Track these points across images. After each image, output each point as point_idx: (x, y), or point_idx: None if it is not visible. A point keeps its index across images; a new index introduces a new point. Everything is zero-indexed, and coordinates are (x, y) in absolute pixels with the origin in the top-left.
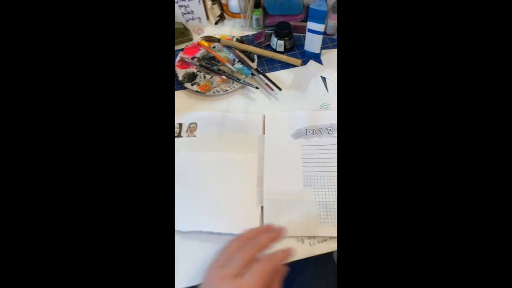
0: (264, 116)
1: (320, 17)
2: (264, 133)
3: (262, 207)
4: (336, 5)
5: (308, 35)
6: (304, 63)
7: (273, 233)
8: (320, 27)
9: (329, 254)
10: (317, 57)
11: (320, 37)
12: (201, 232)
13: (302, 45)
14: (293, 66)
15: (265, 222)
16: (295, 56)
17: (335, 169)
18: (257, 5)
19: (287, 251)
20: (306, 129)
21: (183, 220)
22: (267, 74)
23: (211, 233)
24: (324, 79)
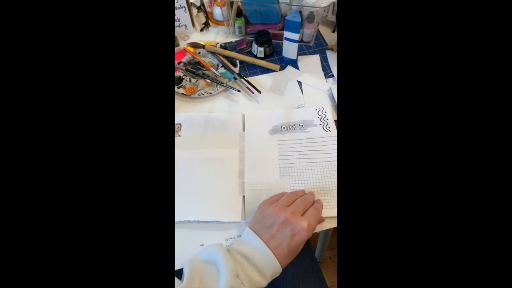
0: (243, 115)
1: (295, 27)
2: (244, 130)
3: (243, 197)
4: (310, 15)
5: (285, 43)
6: (283, 68)
7: (312, 195)
8: (295, 36)
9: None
10: (294, 63)
11: (296, 45)
12: (188, 221)
13: (280, 51)
14: (272, 71)
15: (247, 209)
16: (274, 61)
17: (308, 160)
18: (239, 14)
19: (321, 203)
20: (281, 126)
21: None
22: (248, 78)
23: (198, 221)
24: (300, 83)
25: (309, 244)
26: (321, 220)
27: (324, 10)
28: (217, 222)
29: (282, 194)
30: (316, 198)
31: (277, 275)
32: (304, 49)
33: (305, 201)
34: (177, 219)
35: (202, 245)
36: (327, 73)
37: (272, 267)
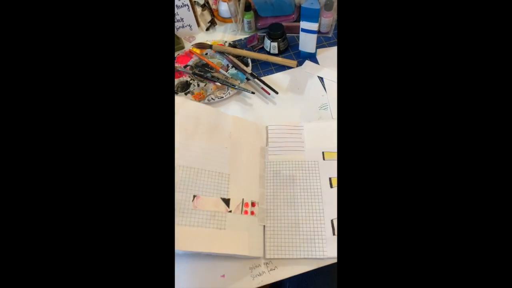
0: (267, 128)
1: (313, 16)
2: (267, 144)
3: (264, 227)
4: (329, 2)
5: (302, 34)
6: (300, 63)
7: None
8: (313, 26)
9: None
10: (312, 57)
11: (314, 36)
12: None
13: (296, 45)
14: (289, 67)
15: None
16: (290, 57)
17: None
18: (247, 8)
19: None
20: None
21: None
22: (263, 78)
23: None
24: (321, 79)
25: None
26: None
27: None
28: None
29: None
30: None
31: None
32: (323, 41)
33: None
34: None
35: (223, 276)
36: None
37: None
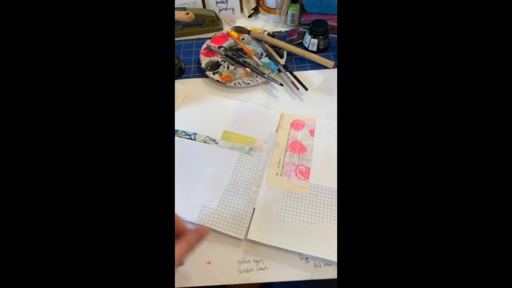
0: (281, 115)
1: None
2: (277, 131)
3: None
4: None
5: None
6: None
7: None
8: None
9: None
10: None
11: None
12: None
13: (337, 47)
14: (324, 67)
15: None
16: (328, 57)
17: None
18: (294, 0)
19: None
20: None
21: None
22: (295, 73)
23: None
24: None
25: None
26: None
27: None
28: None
29: None
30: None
31: None
32: None
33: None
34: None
35: (209, 263)
36: None
37: None
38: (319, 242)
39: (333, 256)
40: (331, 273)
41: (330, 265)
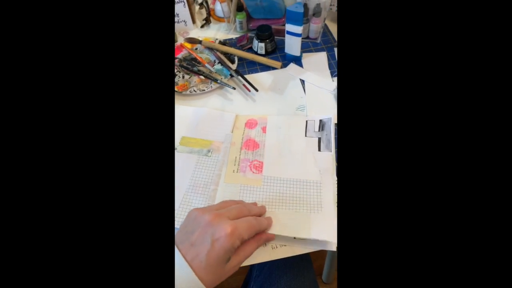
0: (236, 116)
1: (297, 19)
2: (232, 131)
3: None
4: (317, 9)
5: (287, 37)
6: (285, 66)
7: (260, 208)
8: (297, 29)
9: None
10: (298, 60)
11: (299, 39)
12: None
13: (284, 48)
14: (273, 68)
15: None
16: (276, 59)
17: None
18: (239, 8)
19: (270, 221)
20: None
21: None
22: (247, 76)
23: None
24: (303, 81)
25: (310, 264)
26: (267, 237)
27: (332, 4)
28: None
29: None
30: (267, 215)
31: None
32: (310, 46)
33: (242, 208)
34: None
35: None
36: (334, 72)
37: (189, 283)
38: (274, 225)
39: (287, 234)
40: (288, 252)
41: (285, 245)
